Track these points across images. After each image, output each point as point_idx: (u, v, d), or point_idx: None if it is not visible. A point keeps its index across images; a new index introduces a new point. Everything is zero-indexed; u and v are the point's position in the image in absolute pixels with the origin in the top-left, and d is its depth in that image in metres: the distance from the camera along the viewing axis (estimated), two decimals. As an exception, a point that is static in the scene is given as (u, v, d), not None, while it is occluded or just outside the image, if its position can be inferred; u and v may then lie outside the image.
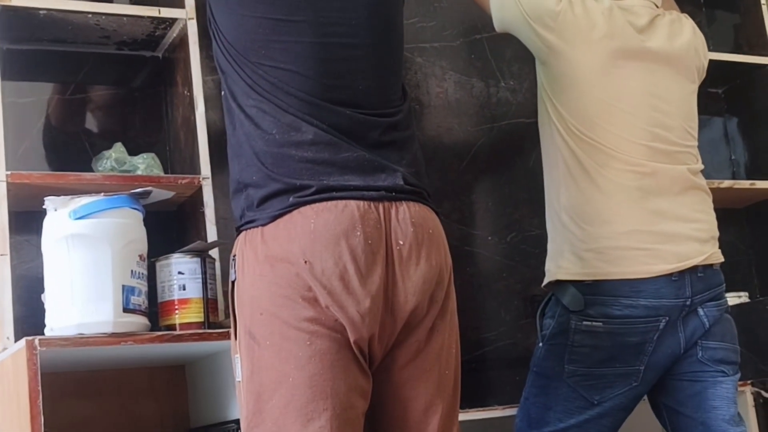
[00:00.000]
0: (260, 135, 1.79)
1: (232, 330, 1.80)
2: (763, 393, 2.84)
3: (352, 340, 1.71)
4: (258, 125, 1.80)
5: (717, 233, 2.33)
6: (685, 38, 2.42)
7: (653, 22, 2.38)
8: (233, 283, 1.79)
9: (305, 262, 1.69)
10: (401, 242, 1.76)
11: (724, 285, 2.30)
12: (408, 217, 1.78)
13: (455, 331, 1.88)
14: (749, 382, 2.83)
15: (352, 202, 1.74)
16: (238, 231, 1.82)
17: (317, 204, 1.73)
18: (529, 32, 2.33)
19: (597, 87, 2.27)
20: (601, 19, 2.30)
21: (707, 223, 2.31)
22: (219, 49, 1.88)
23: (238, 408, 1.77)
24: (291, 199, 1.74)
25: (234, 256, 1.80)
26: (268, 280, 1.72)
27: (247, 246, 1.76)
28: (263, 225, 1.75)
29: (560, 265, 2.27)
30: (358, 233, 1.72)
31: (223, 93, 1.88)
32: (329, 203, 1.73)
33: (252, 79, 1.81)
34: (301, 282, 1.70)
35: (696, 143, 2.38)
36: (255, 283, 1.74)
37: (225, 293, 1.84)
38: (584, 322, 2.20)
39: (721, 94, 3.47)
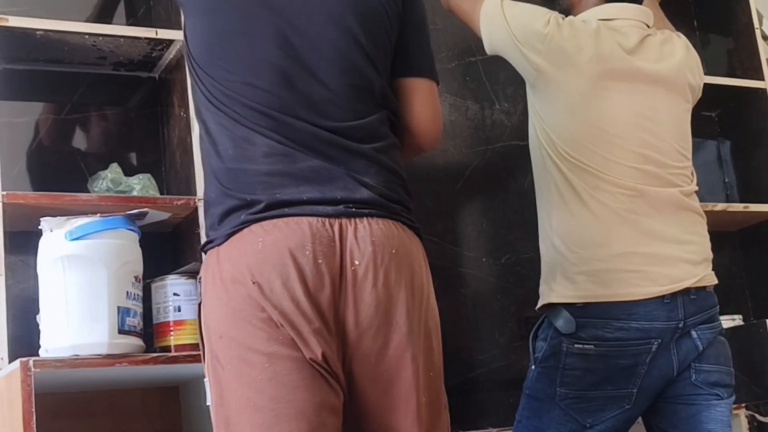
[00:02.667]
0: (215, 152, 1.76)
1: (201, 353, 1.77)
2: (758, 416, 2.85)
3: (308, 358, 1.65)
4: (214, 141, 1.76)
5: (710, 255, 2.33)
6: (677, 58, 2.41)
7: (643, 42, 2.37)
8: (200, 305, 1.76)
9: (254, 282, 1.65)
10: (357, 262, 1.69)
11: (718, 307, 2.29)
12: (368, 235, 1.70)
13: (434, 357, 1.78)
14: (743, 405, 2.83)
15: (305, 219, 1.68)
16: (204, 251, 1.79)
17: (267, 222, 1.68)
18: (518, 55, 2.33)
19: (585, 110, 2.27)
20: (588, 42, 2.29)
21: (700, 245, 2.30)
22: (187, 65, 1.86)
23: None
24: (243, 216, 1.70)
25: (200, 278, 1.77)
26: (224, 303, 1.68)
27: (207, 269, 1.74)
28: (219, 245, 1.72)
29: (553, 288, 2.27)
30: (308, 252, 1.66)
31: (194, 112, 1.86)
32: (280, 221, 1.68)
33: (210, 92, 1.77)
34: (253, 303, 1.65)
35: (689, 164, 2.38)
36: (214, 307, 1.70)
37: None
38: (576, 345, 2.20)
39: (714, 117, 3.48)
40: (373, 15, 1.85)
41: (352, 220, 1.71)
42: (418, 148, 1.98)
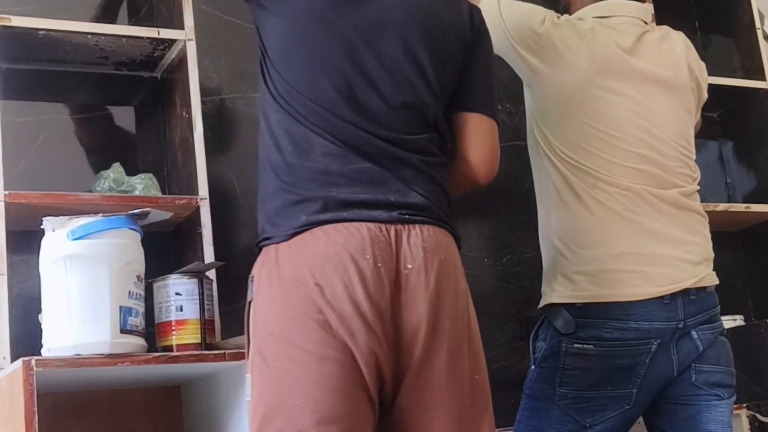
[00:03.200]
0: (276, 146, 1.81)
1: (246, 350, 1.80)
2: (759, 416, 2.85)
3: (360, 365, 1.69)
4: (275, 136, 1.82)
5: (711, 255, 2.32)
6: (676, 55, 2.39)
7: (641, 40, 2.34)
8: (249, 303, 1.80)
9: (315, 284, 1.69)
10: (409, 266, 1.75)
11: (719, 307, 2.29)
12: (419, 242, 1.77)
13: (478, 360, 1.84)
14: (744, 405, 2.83)
15: (364, 225, 1.74)
16: (258, 248, 1.83)
17: (328, 225, 1.73)
18: (514, 54, 2.33)
19: (581, 111, 2.26)
20: (584, 41, 2.28)
21: (700, 246, 2.29)
22: (260, 65, 1.90)
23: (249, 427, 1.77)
24: (303, 217, 1.75)
25: (252, 276, 1.81)
26: (280, 302, 1.72)
27: (263, 267, 1.78)
28: (278, 242, 1.76)
29: (554, 288, 2.26)
30: (368, 256, 1.72)
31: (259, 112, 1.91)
32: (340, 225, 1.73)
33: (277, 89, 1.83)
34: (311, 304, 1.69)
35: (691, 163, 2.36)
36: (268, 305, 1.74)
37: (241, 312, 1.84)
38: (575, 345, 2.19)
39: (716, 117, 3.48)
40: (442, 44, 1.92)
41: (406, 226, 1.77)
42: (474, 182, 2.03)
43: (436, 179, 1.87)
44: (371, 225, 1.74)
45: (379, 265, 1.72)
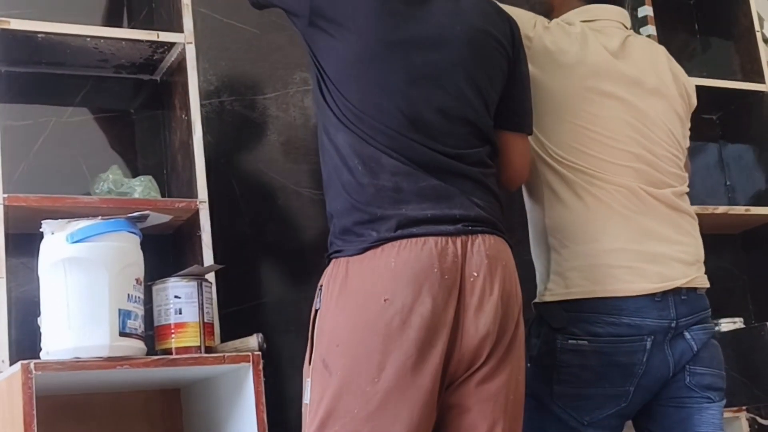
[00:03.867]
0: (346, 167, 1.87)
1: (307, 354, 1.87)
2: (759, 419, 2.85)
3: (428, 376, 1.76)
4: (344, 157, 1.88)
5: (702, 257, 2.32)
6: (659, 60, 2.42)
7: (626, 43, 2.37)
8: (317, 311, 1.87)
9: (385, 300, 1.77)
10: (475, 274, 1.83)
11: (710, 310, 2.29)
12: (483, 250, 1.85)
13: (523, 361, 1.95)
14: (744, 408, 2.83)
15: (431, 239, 1.81)
16: (328, 259, 1.90)
17: (398, 242, 1.81)
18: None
19: (574, 114, 2.27)
20: (575, 45, 2.30)
21: (693, 247, 2.30)
22: (318, 85, 1.95)
23: (303, 428, 1.85)
24: (374, 234, 1.82)
25: (321, 286, 1.88)
26: (348, 315, 1.79)
27: (333, 279, 1.84)
28: (349, 256, 1.83)
29: (547, 286, 2.27)
30: (435, 270, 1.79)
31: (318, 129, 1.97)
32: (410, 240, 1.81)
33: (341, 110, 1.89)
34: (381, 319, 1.76)
35: (681, 164, 2.37)
36: (336, 316, 1.81)
37: (309, 318, 1.91)
38: (570, 341, 2.19)
39: (715, 120, 3.48)
40: (492, 60, 2.02)
41: (470, 237, 1.86)
42: (504, 190, 2.15)
43: (493, 189, 1.97)
44: (439, 239, 1.82)
45: (446, 277, 1.80)
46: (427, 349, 1.77)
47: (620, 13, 2.42)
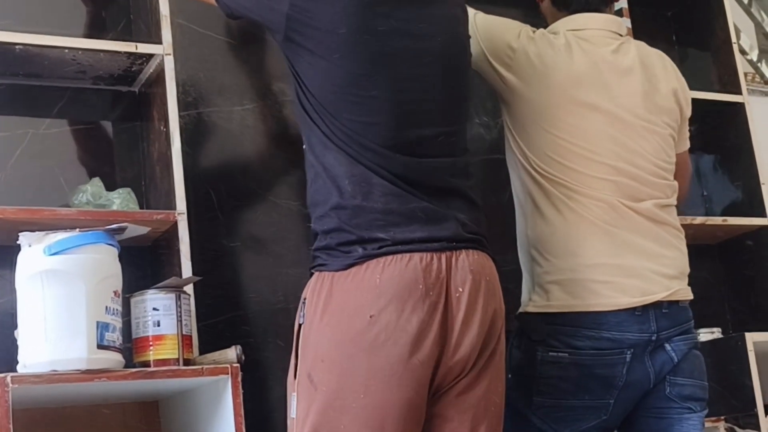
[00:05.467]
0: (336, 188, 1.87)
1: (291, 368, 1.87)
2: (737, 429, 2.86)
3: (412, 391, 1.78)
4: (334, 178, 1.87)
5: (687, 270, 2.33)
6: (651, 70, 2.39)
7: (619, 50, 2.35)
8: (300, 325, 1.87)
9: (371, 317, 1.77)
10: (460, 289, 1.84)
11: (693, 321, 2.30)
12: (467, 265, 1.86)
13: (503, 371, 1.97)
14: (722, 418, 2.84)
15: (416, 255, 1.82)
16: (311, 272, 1.90)
17: (383, 258, 1.81)
18: (489, 69, 2.34)
19: (556, 126, 2.27)
20: (559, 57, 2.29)
21: (676, 260, 2.30)
22: (299, 100, 1.94)
23: None
24: (360, 250, 1.82)
25: (304, 299, 1.88)
26: (332, 331, 1.80)
27: (317, 293, 1.85)
28: (334, 271, 1.83)
29: (531, 297, 2.28)
30: (421, 286, 1.80)
31: (304, 146, 1.96)
32: (395, 257, 1.81)
33: (330, 129, 1.88)
34: (365, 335, 1.77)
35: (669, 175, 2.37)
36: (321, 331, 1.82)
37: (292, 331, 1.92)
38: (550, 353, 2.20)
39: (693, 131, 3.49)
40: (466, 68, 2.05)
41: (455, 252, 1.87)
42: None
43: (477, 203, 1.98)
44: (424, 255, 1.83)
45: (431, 293, 1.81)
46: (413, 365, 1.78)
47: (610, 21, 2.40)
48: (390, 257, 1.82)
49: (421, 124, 1.91)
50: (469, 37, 2.10)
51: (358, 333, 1.78)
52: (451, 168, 1.94)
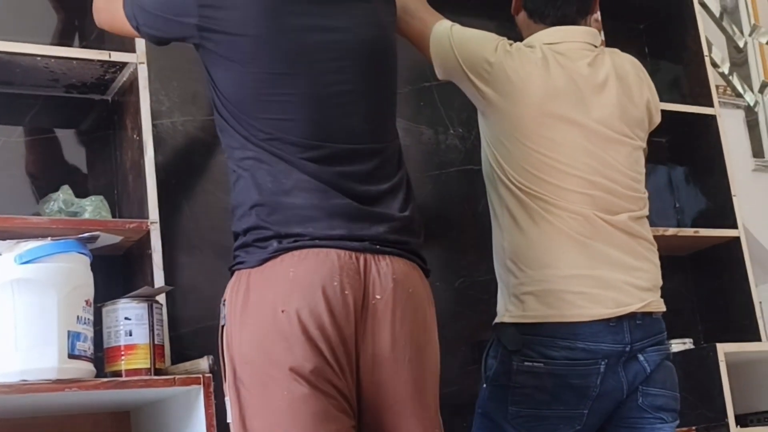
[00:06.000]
0: (255, 186, 1.84)
1: (222, 373, 1.84)
2: (708, 439, 2.87)
3: (331, 386, 1.75)
4: (253, 177, 1.85)
5: (660, 282, 2.34)
6: (626, 82, 2.40)
7: (590, 66, 2.35)
8: (222, 327, 1.84)
9: (282, 311, 1.74)
10: (378, 296, 1.80)
11: (666, 333, 2.31)
12: (390, 273, 1.82)
13: (437, 393, 1.92)
14: (694, 428, 2.85)
15: (333, 252, 1.78)
16: (231, 271, 1.87)
17: (299, 252, 1.78)
18: (467, 83, 2.34)
19: (533, 140, 2.27)
20: (535, 71, 2.29)
21: (649, 272, 2.31)
22: (216, 108, 1.92)
23: None
24: (276, 244, 1.79)
25: (224, 300, 1.85)
26: (251, 329, 1.77)
27: (235, 293, 1.82)
28: (250, 267, 1.80)
29: (507, 308, 2.28)
30: (335, 283, 1.76)
31: (227, 156, 1.94)
32: (310, 251, 1.78)
33: (248, 131, 1.86)
34: (280, 331, 1.74)
35: (641, 187, 2.38)
36: (241, 331, 1.79)
37: (216, 333, 1.89)
38: (525, 363, 2.21)
39: (665, 143, 3.52)
40: (391, 65, 2.01)
41: (377, 256, 1.82)
42: None
43: (409, 205, 1.93)
44: (341, 252, 1.79)
45: (347, 292, 1.77)
46: (329, 362, 1.74)
47: (586, 33, 2.40)
48: (306, 251, 1.78)
49: (345, 118, 1.89)
50: (392, 21, 2.06)
51: (273, 329, 1.75)
52: (376, 169, 1.90)
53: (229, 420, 1.82)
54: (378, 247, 1.83)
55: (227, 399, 1.82)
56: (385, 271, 1.82)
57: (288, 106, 1.85)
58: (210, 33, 1.87)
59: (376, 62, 1.95)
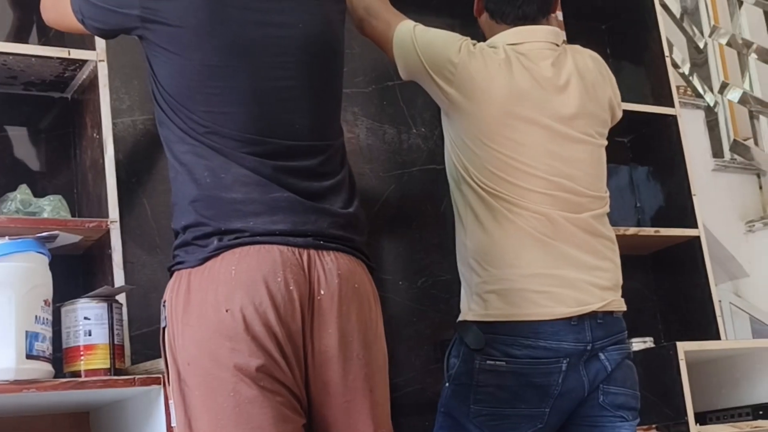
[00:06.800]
0: (193, 181, 1.81)
1: (166, 375, 1.82)
2: (668, 437, 2.89)
3: (280, 384, 1.73)
4: (191, 172, 1.82)
5: (620, 281, 2.36)
6: (588, 80, 2.41)
7: (553, 66, 2.35)
8: (164, 329, 1.81)
9: (227, 310, 1.71)
10: (322, 292, 1.78)
11: (626, 332, 2.33)
12: (335, 269, 1.80)
13: (386, 390, 1.89)
14: (654, 426, 2.87)
15: (275, 247, 1.76)
16: (171, 272, 1.84)
17: (239, 249, 1.75)
18: (431, 83, 2.34)
19: (496, 141, 2.28)
20: (499, 72, 2.30)
21: (610, 271, 2.32)
22: (156, 100, 1.90)
23: None
24: (216, 242, 1.76)
25: (164, 301, 1.82)
26: (194, 330, 1.74)
27: (176, 293, 1.79)
28: (191, 267, 1.78)
29: (470, 307, 2.29)
30: (279, 279, 1.74)
31: (166, 151, 1.90)
32: (252, 248, 1.75)
33: (187, 125, 1.83)
34: (224, 331, 1.71)
35: (602, 186, 2.39)
36: (183, 333, 1.76)
37: (154, 338, 1.85)
38: (488, 362, 2.21)
39: (627, 143, 3.55)
40: (331, 62, 1.98)
41: (321, 252, 1.80)
42: None
43: (352, 200, 1.91)
44: (283, 248, 1.77)
45: (291, 288, 1.74)
46: (276, 359, 1.72)
47: (549, 33, 2.40)
48: (247, 248, 1.75)
49: (287, 113, 1.87)
50: (341, 18, 2.04)
51: (216, 329, 1.71)
52: (319, 165, 1.88)
53: (173, 423, 1.79)
54: (322, 242, 1.80)
55: (171, 402, 1.80)
56: (330, 267, 1.80)
57: (227, 99, 1.83)
58: (151, 24, 1.86)
59: (321, 59, 1.93)
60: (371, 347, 1.85)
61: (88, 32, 2.04)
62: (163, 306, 1.82)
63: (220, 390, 1.71)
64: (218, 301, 1.73)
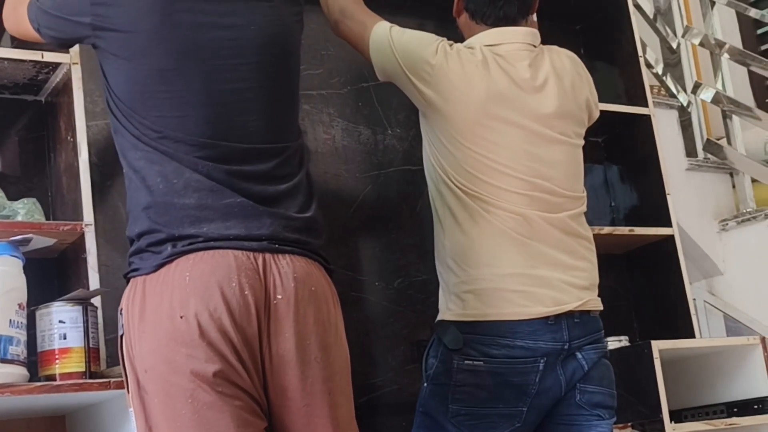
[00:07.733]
0: (146, 187, 1.81)
1: (125, 383, 1.81)
2: (643, 435, 2.91)
3: (238, 388, 1.72)
4: (144, 178, 1.81)
5: (597, 281, 2.37)
6: (566, 80, 2.42)
7: (531, 67, 2.36)
8: (121, 337, 1.80)
9: (181, 317, 1.71)
10: (279, 296, 1.77)
11: (603, 332, 2.34)
12: (290, 272, 1.79)
13: (347, 392, 1.88)
14: (629, 424, 2.89)
15: (230, 252, 1.75)
16: (127, 279, 1.83)
17: (193, 254, 1.75)
18: (408, 84, 2.35)
19: (473, 142, 2.28)
20: (476, 73, 2.30)
21: (587, 272, 2.34)
22: (110, 107, 1.89)
23: None
24: (170, 248, 1.75)
25: (121, 309, 1.81)
26: (150, 338, 1.73)
27: (131, 301, 1.78)
28: (145, 274, 1.77)
29: (448, 306, 2.30)
30: (234, 284, 1.73)
31: (120, 157, 1.90)
32: (206, 253, 1.75)
33: (139, 130, 1.82)
34: (179, 337, 1.71)
35: (579, 186, 2.40)
36: (140, 340, 1.75)
37: (114, 342, 1.85)
38: (466, 362, 2.22)
39: (601, 142, 3.56)
40: (288, 64, 1.97)
41: (276, 255, 1.79)
42: None
43: (309, 203, 1.91)
44: (238, 252, 1.76)
45: (246, 293, 1.74)
46: (233, 364, 1.72)
47: (526, 34, 2.40)
48: (201, 253, 1.75)
49: (241, 114, 1.86)
50: (296, 20, 2.02)
51: (171, 335, 1.71)
52: (274, 169, 1.88)
53: (133, 430, 1.79)
54: (277, 246, 1.80)
55: (131, 410, 1.79)
56: (286, 270, 1.79)
57: (179, 102, 1.82)
58: (103, 31, 1.86)
59: (276, 61, 1.92)
60: (330, 349, 1.84)
61: (44, 41, 2.03)
62: (120, 314, 1.82)
63: (178, 396, 1.71)
64: (173, 308, 1.72)
